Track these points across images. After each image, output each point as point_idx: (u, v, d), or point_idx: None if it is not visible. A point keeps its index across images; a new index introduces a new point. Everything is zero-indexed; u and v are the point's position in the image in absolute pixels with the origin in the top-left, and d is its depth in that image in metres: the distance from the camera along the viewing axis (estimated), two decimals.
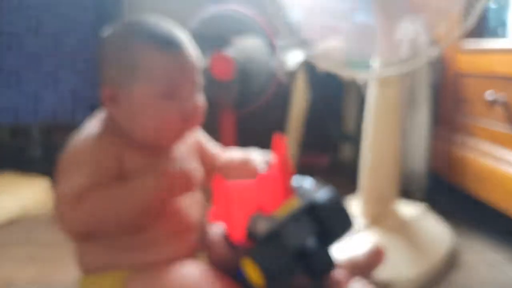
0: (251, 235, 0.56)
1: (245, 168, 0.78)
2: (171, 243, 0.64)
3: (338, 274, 0.64)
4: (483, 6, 0.74)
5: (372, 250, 0.71)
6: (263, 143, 0.86)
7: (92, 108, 1.47)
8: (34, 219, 1.12)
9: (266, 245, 0.54)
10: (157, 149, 0.66)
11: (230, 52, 1.38)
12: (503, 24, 1.17)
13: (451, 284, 0.82)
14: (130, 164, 0.62)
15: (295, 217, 0.55)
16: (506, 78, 0.96)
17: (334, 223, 0.57)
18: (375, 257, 0.71)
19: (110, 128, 0.64)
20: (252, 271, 0.53)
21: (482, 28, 1.15)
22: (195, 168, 0.69)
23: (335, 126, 1.43)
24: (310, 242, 0.54)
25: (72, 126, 1.64)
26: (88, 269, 0.65)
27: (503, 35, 1.14)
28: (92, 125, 0.65)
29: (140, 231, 0.62)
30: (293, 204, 0.56)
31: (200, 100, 0.66)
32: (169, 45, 0.62)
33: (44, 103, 1.53)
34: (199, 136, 0.77)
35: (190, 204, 0.68)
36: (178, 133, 0.66)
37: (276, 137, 0.62)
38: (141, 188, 0.59)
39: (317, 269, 0.55)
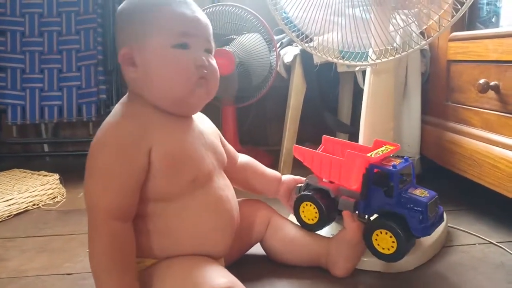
0: None
1: (274, 184, 0.86)
2: (210, 230, 0.65)
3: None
4: None
5: (350, 224, 0.78)
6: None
7: (97, 104, 1.51)
8: (43, 212, 1.14)
9: None
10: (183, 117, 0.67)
11: (230, 47, 1.40)
12: (496, 14, 1.14)
13: (445, 261, 0.84)
14: (160, 130, 0.62)
15: None
16: (498, 63, 0.97)
17: None
18: (354, 227, 0.78)
19: (135, 102, 0.65)
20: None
21: (475, 18, 1.15)
22: (220, 148, 0.72)
23: (331, 117, 1.44)
24: None
25: (79, 122, 1.67)
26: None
27: (496, 26, 1.10)
28: (119, 111, 0.65)
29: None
30: None
31: (214, 63, 0.67)
32: (174, 0, 0.64)
33: (51, 101, 1.54)
34: (217, 130, 0.78)
35: (224, 184, 0.70)
36: (195, 89, 0.65)
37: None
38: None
39: None
